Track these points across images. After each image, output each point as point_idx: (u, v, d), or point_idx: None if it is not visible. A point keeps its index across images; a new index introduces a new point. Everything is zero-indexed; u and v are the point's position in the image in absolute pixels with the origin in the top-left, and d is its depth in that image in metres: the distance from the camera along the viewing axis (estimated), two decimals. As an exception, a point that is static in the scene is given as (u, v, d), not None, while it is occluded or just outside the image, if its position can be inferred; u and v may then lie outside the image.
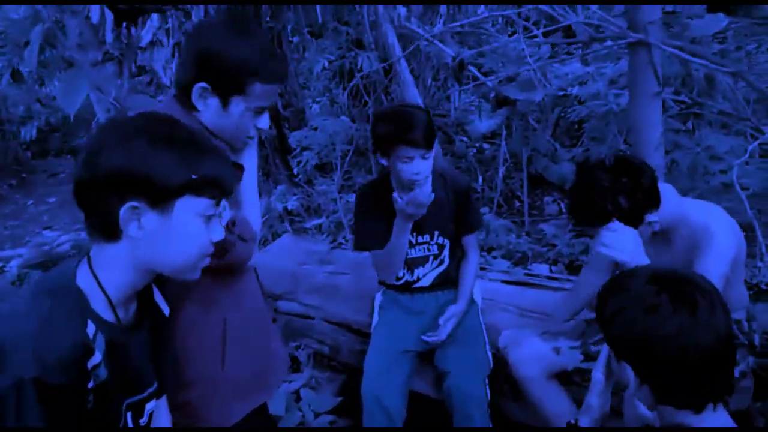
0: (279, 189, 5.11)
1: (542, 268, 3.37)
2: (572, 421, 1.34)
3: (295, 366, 2.43)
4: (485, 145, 4.96)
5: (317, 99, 6.71)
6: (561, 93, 4.53)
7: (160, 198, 1.01)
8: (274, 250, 3.04)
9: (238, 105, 1.35)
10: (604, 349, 1.26)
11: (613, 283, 1.12)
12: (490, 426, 1.96)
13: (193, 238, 1.06)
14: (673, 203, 1.76)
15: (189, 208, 1.03)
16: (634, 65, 2.41)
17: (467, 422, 1.93)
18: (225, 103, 1.35)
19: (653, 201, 1.67)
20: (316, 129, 4.40)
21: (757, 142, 2.25)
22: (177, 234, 1.04)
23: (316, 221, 4.38)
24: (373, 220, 2.08)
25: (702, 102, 2.70)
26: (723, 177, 1.68)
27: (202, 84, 1.33)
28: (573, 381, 1.97)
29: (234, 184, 1.11)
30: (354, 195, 5.19)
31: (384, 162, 1.99)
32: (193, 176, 1.02)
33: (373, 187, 2.18)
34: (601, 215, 1.64)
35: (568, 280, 2.64)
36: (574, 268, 3.46)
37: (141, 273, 1.07)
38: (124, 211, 0.99)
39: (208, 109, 1.36)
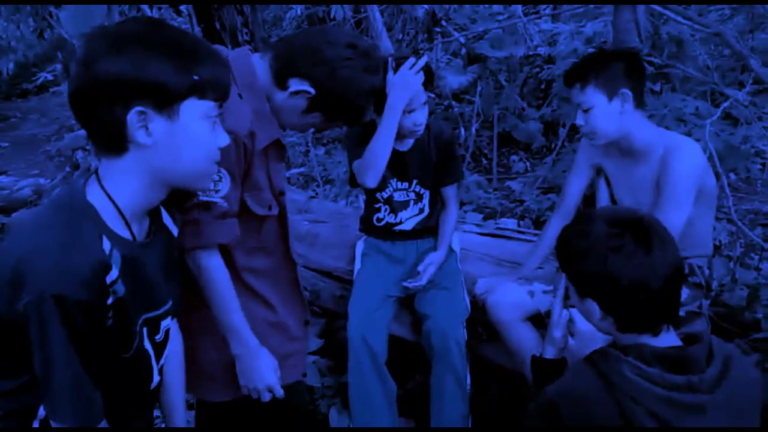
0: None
1: (511, 223, 3.48)
2: (537, 354, 1.46)
3: (276, 310, 2.48)
4: (454, 103, 5.00)
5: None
6: (532, 52, 4.60)
7: (166, 101, 1.00)
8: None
9: None
10: (561, 287, 1.35)
11: (576, 227, 1.20)
12: (467, 364, 2.06)
13: (201, 141, 1.06)
14: (655, 131, 1.96)
15: (194, 110, 1.03)
16: (618, 23, 2.48)
17: (446, 360, 2.02)
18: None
19: None
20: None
21: (727, 103, 2.37)
22: (186, 138, 1.03)
23: (294, 171, 4.37)
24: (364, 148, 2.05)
25: (672, 64, 2.81)
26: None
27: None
28: (545, 323, 2.08)
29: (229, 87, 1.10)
30: (323, 149, 5.20)
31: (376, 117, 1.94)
32: (195, 77, 1.01)
33: (363, 128, 2.18)
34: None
35: (535, 235, 2.75)
36: (540, 224, 3.60)
37: (152, 186, 1.06)
38: (131, 116, 0.98)
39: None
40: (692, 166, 1.87)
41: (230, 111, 1.21)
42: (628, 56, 1.95)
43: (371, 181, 2.02)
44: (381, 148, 1.93)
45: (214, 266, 1.36)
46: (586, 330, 1.27)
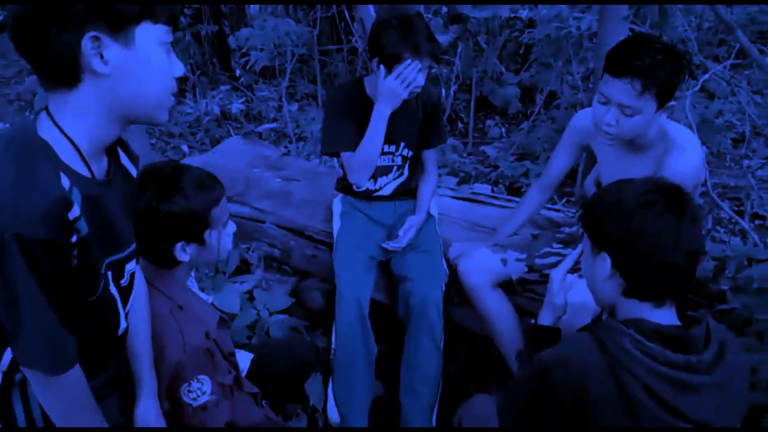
0: (222, 90, 4.88)
1: (484, 188, 3.47)
2: (533, 322, 1.44)
3: (246, 267, 2.44)
4: (433, 64, 4.92)
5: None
6: (513, 14, 4.51)
7: (120, 25, 0.94)
8: (222, 150, 2.95)
9: None
10: (575, 253, 1.35)
11: (612, 186, 1.18)
12: (442, 327, 2.06)
13: (158, 69, 1.01)
14: (662, 127, 1.80)
15: (150, 35, 0.98)
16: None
17: (423, 323, 2.02)
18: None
19: None
20: (262, 28, 4.18)
21: (706, 75, 2.37)
22: (143, 66, 0.98)
23: (268, 126, 4.25)
24: (344, 121, 2.05)
25: (654, 33, 2.79)
26: (670, 112, 1.80)
27: None
28: (516, 291, 2.10)
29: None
30: (296, 105, 5.08)
31: (383, 72, 1.90)
32: None
33: (345, 90, 2.13)
34: None
35: (509, 201, 2.75)
36: (514, 190, 3.60)
37: (109, 119, 1.01)
38: (85, 42, 0.92)
39: None
40: (690, 169, 1.75)
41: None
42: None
43: (363, 181, 2.10)
44: (371, 150, 2.00)
45: None
46: (576, 302, 1.26)
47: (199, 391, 1.41)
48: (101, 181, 1.05)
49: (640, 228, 1.08)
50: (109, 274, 1.08)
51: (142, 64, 0.98)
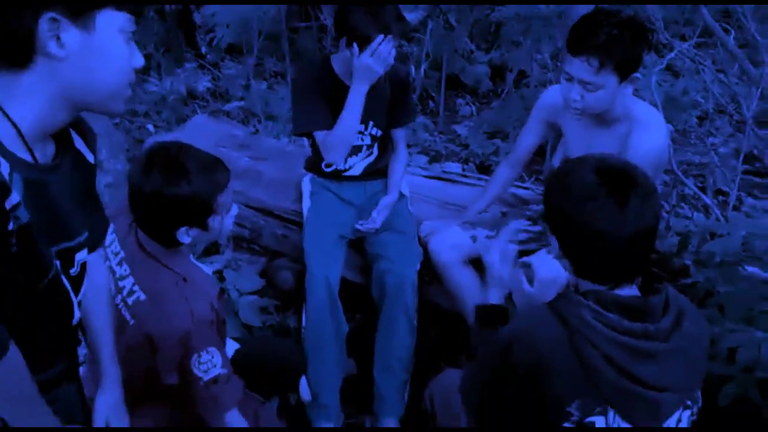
0: (187, 68, 4.76)
1: (455, 167, 3.48)
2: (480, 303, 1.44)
3: (215, 248, 2.41)
4: (403, 42, 4.88)
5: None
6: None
7: (80, 9, 0.90)
8: (188, 129, 2.89)
9: None
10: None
11: (565, 167, 1.19)
12: (416, 306, 2.07)
13: (117, 58, 0.96)
14: (628, 103, 1.82)
15: (111, 22, 0.94)
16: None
17: (399, 303, 2.03)
18: None
19: None
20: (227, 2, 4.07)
21: (672, 53, 2.39)
22: (102, 53, 0.94)
23: (236, 104, 4.17)
24: (316, 100, 2.02)
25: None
26: (637, 84, 1.79)
27: None
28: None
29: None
30: (264, 83, 5.00)
31: (353, 52, 1.88)
32: None
33: (312, 68, 2.10)
34: None
35: (480, 179, 2.77)
36: (484, 168, 3.62)
37: (58, 105, 0.96)
38: (42, 23, 0.88)
39: None
40: (654, 149, 1.78)
41: None
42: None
43: (340, 160, 2.10)
44: (349, 129, 2.00)
45: (237, 420, 1.47)
46: (546, 277, 1.26)
47: (210, 363, 1.39)
48: (46, 165, 1.00)
49: (581, 220, 1.09)
50: (58, 263, 1.04)
51: (99, 51, 0.94)
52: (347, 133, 2.01)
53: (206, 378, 1.39)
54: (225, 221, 1.47)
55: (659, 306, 1.11)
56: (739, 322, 1.73)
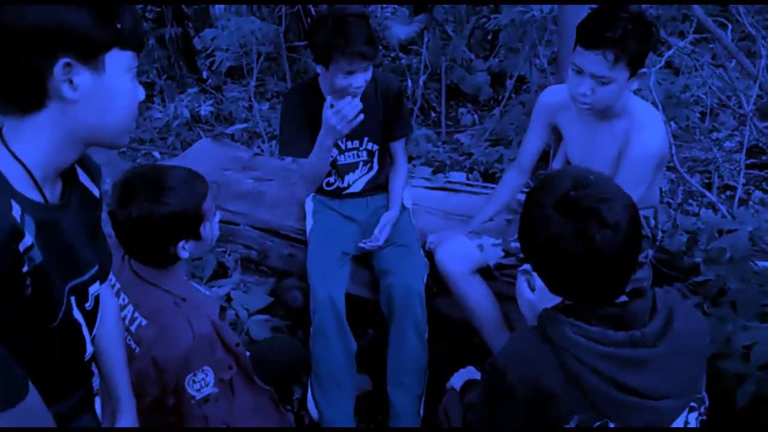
0: (190, 93, 4.80)
1: (459, 176, 3.48)
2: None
3: (222, 272, 2.42)
4: (401, 55, 4.90)
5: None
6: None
7: (91, 52, 0.93)
8: (192, 154, 2.91)
9: None
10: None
11: (534, 195, 1.15)
12: (426, 318, 2.05)
13: (125, 95, 1.00)
14: (629, 100, 1.83)
15: (118, 62, 0.97)
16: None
17: (408, 316, 2.02)
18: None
19: None
20: (225, 28, 4.13)
21: (670, 51, 2.39)
22: (112, 93, 0.97)
23: (239, 126, 4.20)
24: (298, 126, 2.04)
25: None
26: (644, 79, 1.79)
27: None
28: (494, 276, 2.11)
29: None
30: (267, 104, 5.04)
31: (320, 70, 1.91)
32: (119, 26, 0.95)
33: (300, 91, 2.11)
34: None
35: (484, 187, 2.77)
36: (489, 176, 3.62)
37: (68, 144, 0.98)
38: (58, 69, 0.90)
39: None
40: (654, 148, 1.79)
41: None
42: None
43: (310, 190, 2.20)
44: (315, 173, 2.07)
45: None
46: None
47: (203, 382, 1.41)
48: (56, 205, 1.02)
49: (553, 264, 1.09)
50: (73, 299, 1.05)
51: (109, 90, 0.97)
52: (313, 176, 2.07)
53: (198, 397, 1.40)
54: (213, 226, 1.52)
55: (644, 310, 1.08)
56: (752, 319, 1.71)
